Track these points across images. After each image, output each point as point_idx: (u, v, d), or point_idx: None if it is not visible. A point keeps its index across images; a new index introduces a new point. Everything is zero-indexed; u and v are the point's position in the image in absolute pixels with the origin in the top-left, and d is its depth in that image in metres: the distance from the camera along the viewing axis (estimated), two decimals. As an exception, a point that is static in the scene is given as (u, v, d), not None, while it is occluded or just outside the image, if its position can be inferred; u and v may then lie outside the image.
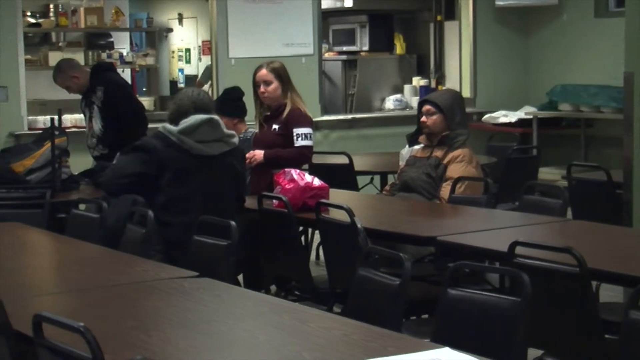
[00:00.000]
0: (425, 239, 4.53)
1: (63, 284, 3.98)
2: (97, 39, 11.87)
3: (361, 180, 7.37)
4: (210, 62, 9.99)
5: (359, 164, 7.16)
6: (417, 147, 6.08)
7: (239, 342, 2.98)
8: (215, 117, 5.10)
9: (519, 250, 3.77)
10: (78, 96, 7.22)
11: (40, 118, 8.87)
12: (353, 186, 6.98)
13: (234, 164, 5.12)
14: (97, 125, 6.95)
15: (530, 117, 9.87)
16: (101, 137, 6.93)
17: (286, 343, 2.94)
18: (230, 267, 4.27)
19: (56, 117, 6.49)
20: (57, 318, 2.62)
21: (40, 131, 7.67)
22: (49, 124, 6.22)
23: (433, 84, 10.80)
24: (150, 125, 7.80)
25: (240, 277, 5.53)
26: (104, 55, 11.27)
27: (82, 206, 5.41)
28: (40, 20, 10.96)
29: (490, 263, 4.45)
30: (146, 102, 11.50)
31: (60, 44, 11.53)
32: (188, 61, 13.22)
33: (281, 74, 6.12)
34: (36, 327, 2.69)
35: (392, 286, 3.47)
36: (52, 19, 11.00)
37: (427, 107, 5.92)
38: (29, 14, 10.94)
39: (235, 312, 3.37)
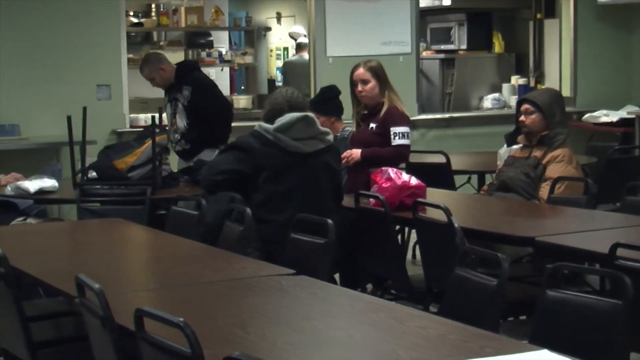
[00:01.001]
0: (524, 239, 4.47)
1: (163, 279, 4.04)
2: (197, 38, 12.02)
3: (458, 179, 7.31)
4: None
5: (456, 163, 7.11)
6: (515, 146, 6.01)
7: (335, 340, 2.99)
8: (311, 114, 5.13)
9: (620, 252, 3.70)
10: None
11: (142, 116, 9.04)
12: (450, 185, 6.93)
13: (329, 161, 5.13)
14: (181, 122, 7.06)
15: (633, 116, 9.66)
16: (185, 133, 7.05)
17: (382, 342, 2.93)
18: (327, 265, 4.28)
19: (157, 115, 6.60)
20: (158, 313, 2.66)
21: (141, 129, 7.81)
22: (150, 122, 6.32)
23: (532, 83, 10.66)
24: (247, 124, 7.89)
25: (337, 275, 5.54)
26: (203, 54, 11.43)
27: (181, 203, 5.48)
28: (142, 20, 11.16)
29: (590, 265, 4.37)
30: (244, 100, 11.62)
31: (161, 43, 11.72)
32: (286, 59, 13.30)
33: (378, 73, 6.12)
34: (138, 322, 2.74)
35: (489, 286, 3.44)
36: (154, 18, 11.18)
37: (526, 106, 5.85)
38: (131, 13, 11.15)
39: (332, 310, 3.38)
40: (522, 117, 5.83)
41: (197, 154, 6.96)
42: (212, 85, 7.35)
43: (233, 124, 7.22)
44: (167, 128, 7.08)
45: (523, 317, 4.57)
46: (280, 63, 13.36)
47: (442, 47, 11.18)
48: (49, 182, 6.26)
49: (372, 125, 6.10)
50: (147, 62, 7.28)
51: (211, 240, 4.68)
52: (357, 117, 6.22)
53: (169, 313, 2.64)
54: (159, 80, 7.24)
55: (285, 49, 13.38)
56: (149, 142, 6.15)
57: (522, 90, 10.34)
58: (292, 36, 12.37)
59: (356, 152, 6.03)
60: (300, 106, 5.12)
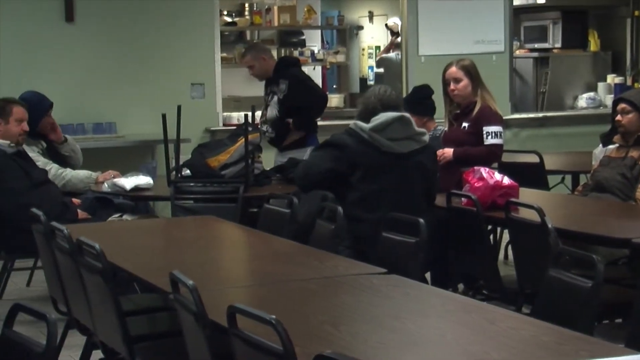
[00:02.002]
0: (620, 240, 4.40)
1: (255, 277, 4.08)
2: (289, 37, 12.09)
3: (552, 179, 7.22)
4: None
5: (550, 163, 7.02)
6: (611, 146, 5.90)
7: (427, 340, 2.98)
8: (407, 115, 5.12)
9: None
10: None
11: (235, 114, 9.13)
12: (543, 185, 6.85)
13: (423, 161, 5.11)
14: (272, 112, 7.29)
15: None
16: (274, 122, 7.24)
17: (473, 342, 2.92)
18: (419, 265, 4.27)
19: (250, 113, 6.66)
20: (250, 310, 2.68)
21: (234, 127, 7.90)
22: (242, 120, 6.38)
23: (629, 82, 10.46)
24: (339, 122, 7.93)
25: (427, 275, 5.52)
26: (295, 53, 11.48)
27: (273, 201, 5.52)
28: (235, 19, 11.26)
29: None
30: (336, 99, 11.65)
31: (254, 42, 11.81)
32: (378, 59, 13.28)
33: (471, 72, 6.08)
34: (230, 318, 2.77)
35: (584, 288, 3.39)
36: (247, 17, 11.28)
37: (622, 105, 5.75)
38: (225, 13, 11.25)
39: (423, 309, 3.37)
40: (619, 117, 5.73)
41: (283, 141, 7.12)
42: (308, 79, 7.47)
43: (325, 123, 7.29)
44: (258, 126, 7.18)
45: (619, 320, 4.50)
46: (372, 62, 13.35)
47: (536, 45, 11.05)
48: (144, 180, 6.37)
49: (465, 124, 6.06)
50: (251, 49, 7.52)
51: (303, 238, 4.71)
52: (449, 116, 6.19)
53: (261, 310, 2.66)
54: (257, 69, 7.41)
55: (377, 47, 13.36)
56: (241, 140, 6.20)
57: (619, 89, 10.15)
58: (391, 28, 12.30)
59: (448, 152, 6.00)
60: (393, 104, 5.11)
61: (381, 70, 12.04)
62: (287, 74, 7.27)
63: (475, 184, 5.22)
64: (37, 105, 6.74)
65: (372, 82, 12.77)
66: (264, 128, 7.34)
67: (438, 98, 6.44)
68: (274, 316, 2.56)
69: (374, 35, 13.46)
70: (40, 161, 6.55)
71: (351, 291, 3.57)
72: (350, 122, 5.21)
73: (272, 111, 7.31)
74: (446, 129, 6.24)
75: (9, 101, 6.35)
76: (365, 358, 2.71)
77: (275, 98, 7.27)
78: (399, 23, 11.93)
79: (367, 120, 5.04)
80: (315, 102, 7.33)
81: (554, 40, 10.86)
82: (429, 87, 6.64)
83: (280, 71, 7.33)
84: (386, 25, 12.53)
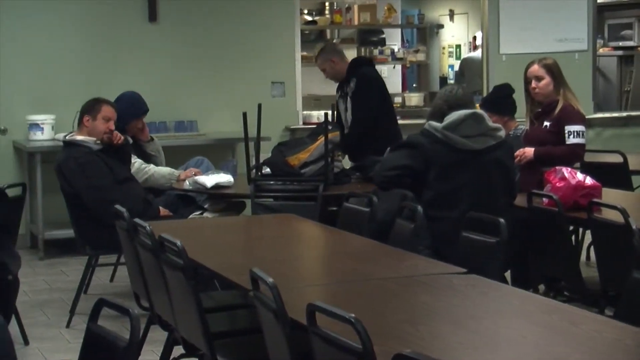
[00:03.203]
0: None
1: (334, 275, 4.09)
2: (369, 36, 12.09)
3: (636, 180, 7.10)
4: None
5: (634, 163, 6.90)
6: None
7: (507, 341, 2.96)
8: (479, 111, 5.08)
9: None
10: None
11: (315, 113, 9.17)
12: (627, 186, 6.74)
13: (501, 157, 5.06)
14: (350, 116, 7.18)
15: None
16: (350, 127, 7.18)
17: (555, 344, 2.88)
18: (499, 265, 4.23)
19: (329, 112, 6.67)
20: (330, 308, 2.69)
21: (314, 126, 7.92)
22: (322, 119, 6.40)
23: None
24: (419, 122, 7.90)
25: (507, 274, 5.47)
26: (375, 52, 11.48)
27: (352, 200, 5.52)
28: (316, 18, 11.31)
29: None
30: (415, 98, 11.61)
31: (334, 41, 11.84)
32: (458, 57, 13.20)
33: (553, 70, 6.01)
34: (310, 316, 2.78)
35: (668, 291, 3.33)
36: (328, 16, 11.31)
37: None
38: (305, 12, 11.31)
39: (503, 310, 3.35)
40: None
41: (360, 151, 7.04)
42: (375, 78, 7.36)
43: (404, 122, 7.26)
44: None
45: None
46: (452, 61, 13.29)
47: (621, 43, 10.87)
48: (224, 178, 6.42)
49: (546, 123, 5.99)
50: (321, 52, 7.48)
51: (382, 237, 4.70)
52: (530, 115, 6.13)
53: (340, 308, 2.67)
54: (328, 72, 7.39)
55: (458, 46, 13.29)
56: (321, 139, 6.22)
57: None
58: None
59: (529, 151, 5.94)
60: (460, 102, 5.06)
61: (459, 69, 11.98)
62: (357, 73, 7.23)
63: (557, 184, 5.16)
64: (131, 108, 6.85)
65: (451, 81, 12.70)
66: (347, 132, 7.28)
67: (519, 97, 6.38)
68: (353, 314, 2.56)
69: (454, 33, 13.39)
70: (125, 157, 6.64)
71: (430, 291, 3.56)
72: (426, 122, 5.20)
73: (349, 113, 7.25)
74: (527, 128, 6.17)
75: (100, 100, 6.46)
76: (444, 358, 2.70)
77: (348, 99, 7.22)
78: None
79: (439, 121, 5.03)
80: (378, 105, 7.19)
81: (639, 38, 10.68)
82: (510, 86, 6.58)
83: (351, 71, 7.29)
84: None
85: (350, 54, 11.07)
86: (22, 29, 8.40)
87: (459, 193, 4.92)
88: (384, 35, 12.23)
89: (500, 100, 6.51)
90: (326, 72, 7.43)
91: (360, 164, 6.86)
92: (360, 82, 7.16)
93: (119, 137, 6.32)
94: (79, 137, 6.29)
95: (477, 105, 5.67)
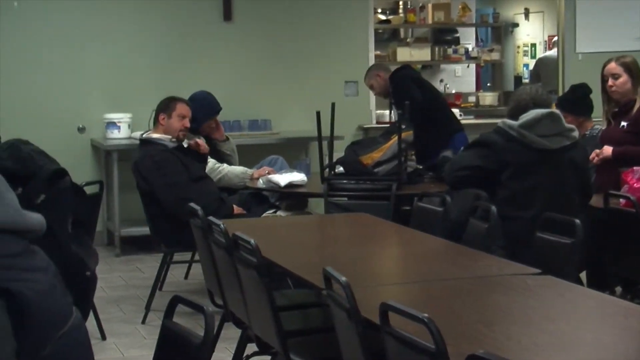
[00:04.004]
0: None
1: (407, 275, 4.08)
2: (443, 35, 12.03)
3: None
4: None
5: None
6: None
7: (583, 343, 2.92)
8: (556, 111, 5.04)
9: None
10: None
11: (388, 112, 9.14)
12: None
13: (575, 157, 5.01)
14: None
15: None
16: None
17: (632, 348, 2.84)
18: (574, 266, 4.19)
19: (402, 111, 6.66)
20: (403, 308, 2.69)
21: (387, 125, 7.91)
22: (396, 118, 6.39)
23: None
24: (493, 120, 7.85)
25: (582, 275, 5.40)
26: (449, 51, 11.42)
27: (425, 199, 5.50)
28: (389, 17, 11.29)
29: None
30: (489, 97, 11.52)
31: (408, 40, 11.81)
32: (533, 56, 13.08)
33: (631, 69, 5.92)
34: (383, 315, 2.78)
35: None
36: (401, 15, 11.29)
37: None
38: (379, 11, 11.30)
39: (579, 311, 3.31)
40: None
41: (424, 147, 7.07)
42: (409, 77, 7.45)
43: (478, 121, 7.23)
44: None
45: None
46: (527, 60, 13.16)
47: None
48: (298, 176, 6.45)
49: (623, 123, 5.90)
50: (367, 72, 7.72)
51: (455, 237, 4.68)
52: (607, 114, 6.04)
53: (413, 308, 2.66)
54: (376, 87, 7.59)
55: (533, 45, 13.16)
56: (394, 138, 6.21)
57: None
58: None
59: (607, 150, 5.84)
60: (544, 104, 5.04)
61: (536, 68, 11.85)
62: (393, 77, 7.36)
63: (635, 185, 5.08)
64: (205, 107, 6.91)
65: (526, 80, 12.59)
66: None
67: (596, 97, 6.29)
68: (426, 314, 2.56)
69: (529, 32, 13.27)
70: (199, 156, 6.70)
71: (504, 291, 3.53)
72: (499, 121, 5.16)
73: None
74: (604, 127, 6.09)
75: (175, 98, 6.54)
76: (518, 359, 2.68)
77: (393, 107, 7.39)
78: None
79: (516, 118, 4.99)
80: (419, 103, 7.23)
81: None
82: (587, 86, 6.49)
83: (391, 78, 7.44)
84: None
85: (424, 53, 11.06)
86: (101, 29, 8.53)
87: (534, 193, 4.88)
88: (458, 34, 12.16)
89: (577, 101, 6.43)
90: (374, 87, 7.59)
91: (433, 163, 6.84)
92: (394, 85, 7.31)
93: (204, 147, 6.41)
94: (155, 135, 6.37)
95: (553, 104, 5.62)
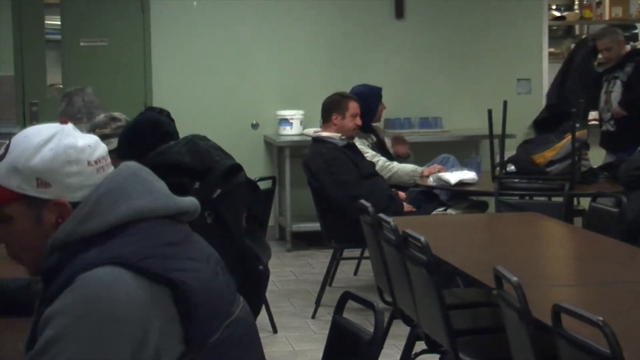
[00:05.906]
0: None
1: (579, 276, 4.00)
2: (622, 31, 11.68)
3: None
4: None
5: None
6: None
7: None
8: None
9: None
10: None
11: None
12: None
13: None
14: (615, 100, 7.28)
15: None
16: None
17: None
18: None
19: (574, 109, 6.51)
20: (576, 310, 2.64)
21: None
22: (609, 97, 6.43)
23: None
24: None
25: None
26: (627, 47, 11.08)
27: (600, 199, 5.37)
28: (564, 14, 11.04)
29: None
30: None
31: (583, 37, 11.53)
32: None
33: None
34: (555, 317, 2.73)
35: None
36: (577, 11, 11.02)
37: None
38: (553, 7, 11.07)
39: None
40: None
41: (621, 141, 6.96)
42: None
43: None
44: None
45: None
46: None
47: None
48: (468, 175, 6.41)
49: None
50: (610, 32, 7.71)
51: (632, 239, 4.55)
52: None
53: (587, 311, 2.61)
54: (613, 52, 7.47)
55: None
56: (568, 137, 6.09)
57: None
58: None
59: None
60: None
61: None
62: (636, 59, 7.32)
63: None
64: (373, 96, 6.99)
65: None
66: (607, 115, 7.40)
67: None
68: (600, 317, 2.50)
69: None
70: (369, 153, 6.74)
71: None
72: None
73: (616, 100, 7.29)
74: None
75: (345, 96, 6.59)
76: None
77: (619, 82, 7.22)
78: None
79: None
80: (629, 101, 7.20)
81: None
82: None
83: (629, 57, 7.42)
84: None
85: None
86: (270, 27, 8.68)
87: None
88: (637, 30, 11.78)
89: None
90: (611, 50, 7.48)
91: (608, 162, 6.68)
92: (636, 66, 7.33)
93: (410, 208, 6.42)
94: (325, 134, 6.45)
95: None
